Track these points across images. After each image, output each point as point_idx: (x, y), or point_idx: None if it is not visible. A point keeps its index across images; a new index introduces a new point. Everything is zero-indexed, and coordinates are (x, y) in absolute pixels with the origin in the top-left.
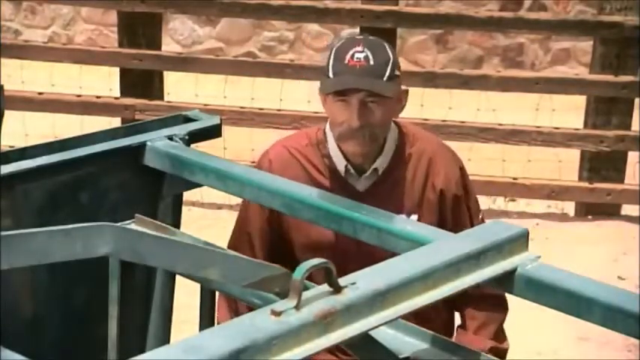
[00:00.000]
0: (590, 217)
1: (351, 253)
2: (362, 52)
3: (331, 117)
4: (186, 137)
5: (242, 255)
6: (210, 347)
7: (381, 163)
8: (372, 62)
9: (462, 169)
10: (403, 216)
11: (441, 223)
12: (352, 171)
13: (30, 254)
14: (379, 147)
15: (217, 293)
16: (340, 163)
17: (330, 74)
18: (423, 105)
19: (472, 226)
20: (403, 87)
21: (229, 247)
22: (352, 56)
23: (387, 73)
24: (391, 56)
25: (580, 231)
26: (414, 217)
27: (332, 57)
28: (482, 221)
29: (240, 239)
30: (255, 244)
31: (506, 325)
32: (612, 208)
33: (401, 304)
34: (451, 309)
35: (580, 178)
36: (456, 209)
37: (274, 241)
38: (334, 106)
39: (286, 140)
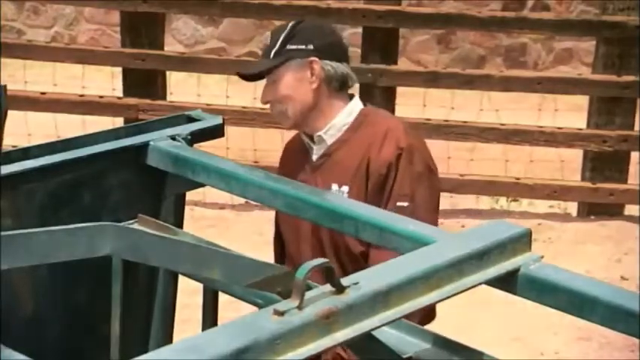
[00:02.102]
0: (592, 217)
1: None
2: (268, 36)
3: None
4: (189, 137)
5: (275, 250)
6: (213, 347)
7: (325, 133)
8: (268, 43)
9: (402, 152)
10: (341, 187)
11: (368, 200)
12: (307, 140)
13: (32, 254)
14: (324, 120)
15: None
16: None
17: None
18: (425, 105)
19: (385, 208)
20: (310, 58)
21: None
22: None
23: (275, 50)
24: (284, 33)
25: (583, 231)
26: (345, 188)
27: None
28: (403, 211)
29: (275, 234)
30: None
31: (507, 326)
32: (615, 208)
33: (403, 304)
34: None
35: (583, 178)
36: (377, 188)
37: None
38: None
39: None
